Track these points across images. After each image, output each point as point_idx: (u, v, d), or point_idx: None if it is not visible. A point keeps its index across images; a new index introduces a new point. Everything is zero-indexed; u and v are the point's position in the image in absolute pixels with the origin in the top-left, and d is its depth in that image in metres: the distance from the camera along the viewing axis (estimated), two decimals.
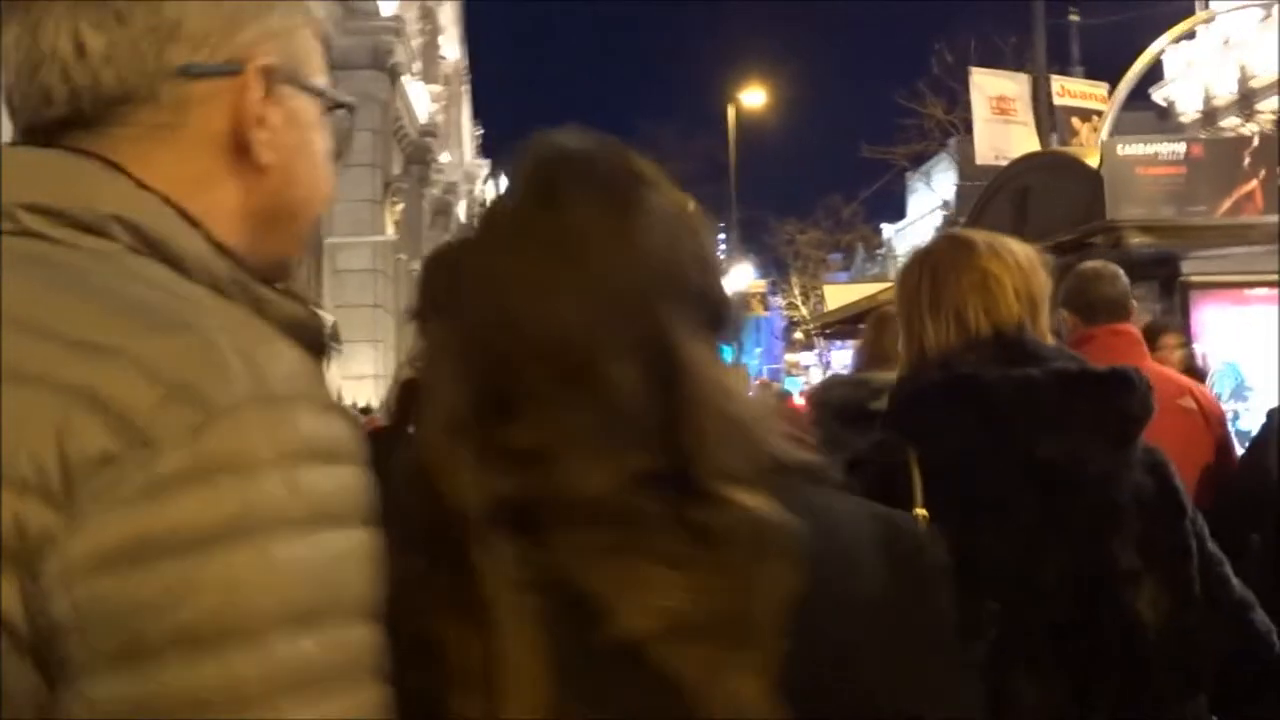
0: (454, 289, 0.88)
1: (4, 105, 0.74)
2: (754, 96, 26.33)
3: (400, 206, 17.19)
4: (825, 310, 15.62)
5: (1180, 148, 6.13)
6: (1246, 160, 6.07)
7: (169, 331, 0.60)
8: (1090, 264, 3.22)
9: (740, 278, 25.95)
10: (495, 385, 0.82)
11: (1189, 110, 24.89)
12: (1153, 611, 1.59)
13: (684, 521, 0.79)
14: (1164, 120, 24.11)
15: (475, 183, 31.68)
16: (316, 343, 0.73)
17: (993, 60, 15.93)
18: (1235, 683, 1.68)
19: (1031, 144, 11.55)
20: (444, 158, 23.42)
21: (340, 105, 0.83)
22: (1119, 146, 6.21)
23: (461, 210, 26.75)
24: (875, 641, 0.83)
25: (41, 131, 0.70)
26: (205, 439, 0.57)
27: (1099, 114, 12.44)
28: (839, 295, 14.50)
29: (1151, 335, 4.21)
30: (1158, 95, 24.93)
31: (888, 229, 35.74)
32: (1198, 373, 4.26)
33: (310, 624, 0.58)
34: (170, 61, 0.70)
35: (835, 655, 0.81)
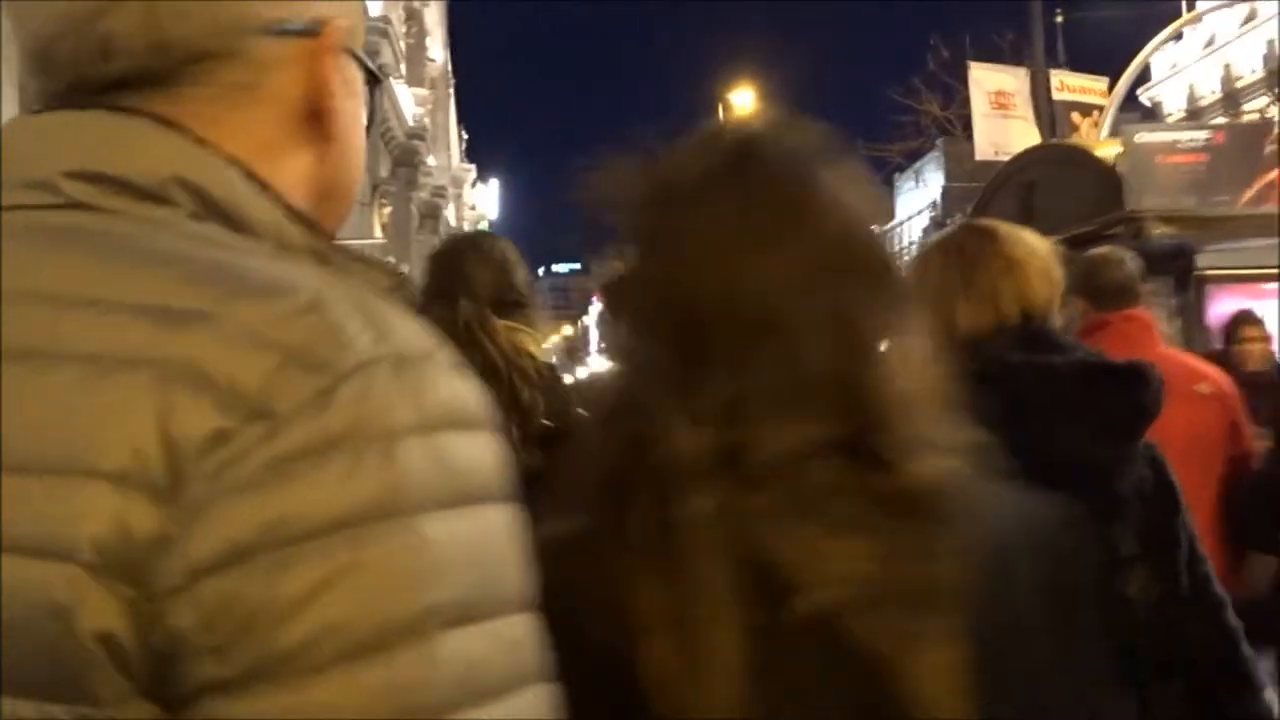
0: (646, 244, 0.91)
1: (21, 68, 0.66)
2: (744, 96, 26.25)
3: (388, 209, 17.04)
4: None
5: (1202, 135, 5.98)
6: (1269, 148, 5.92)
7: (267, 294, 0.53)
8: (1098, 250, 3.22)
9: None
10: (692, 344, 0.84)
11: (1175, 110, 24.99)
12: (1143, 596, 1.69)
13: (868, 490, 0.81)
14: (1150, 120, 24.23)
15: (463, 187, 31.63)
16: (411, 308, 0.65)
17: (989, 57, 15.78)
18: (1219, 678, 1.77)
19: (1031, 139, 11.43)
20: (431, 161, 23.28)
21: (374, 76, 0.77)
22: (1138, 134, 6.05)
23: (450, 214, 26.63)
24: (1034, 630, 0.83)
25: (87, 91, 0.63)
26: (334, 407, 0.50)
27: (1099, 109, 12.37)
28: None
29: (1235, 326, 4.13)
30: (1144, 95, 25.02)
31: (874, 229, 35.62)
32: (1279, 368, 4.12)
33: (474, 616, 0.52)
34: (255, 17, 0.64)
35: (1000, 637, 0.80)
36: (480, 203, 35.26)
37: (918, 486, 0.81)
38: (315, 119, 0.68)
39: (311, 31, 0.67)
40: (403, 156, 19.53)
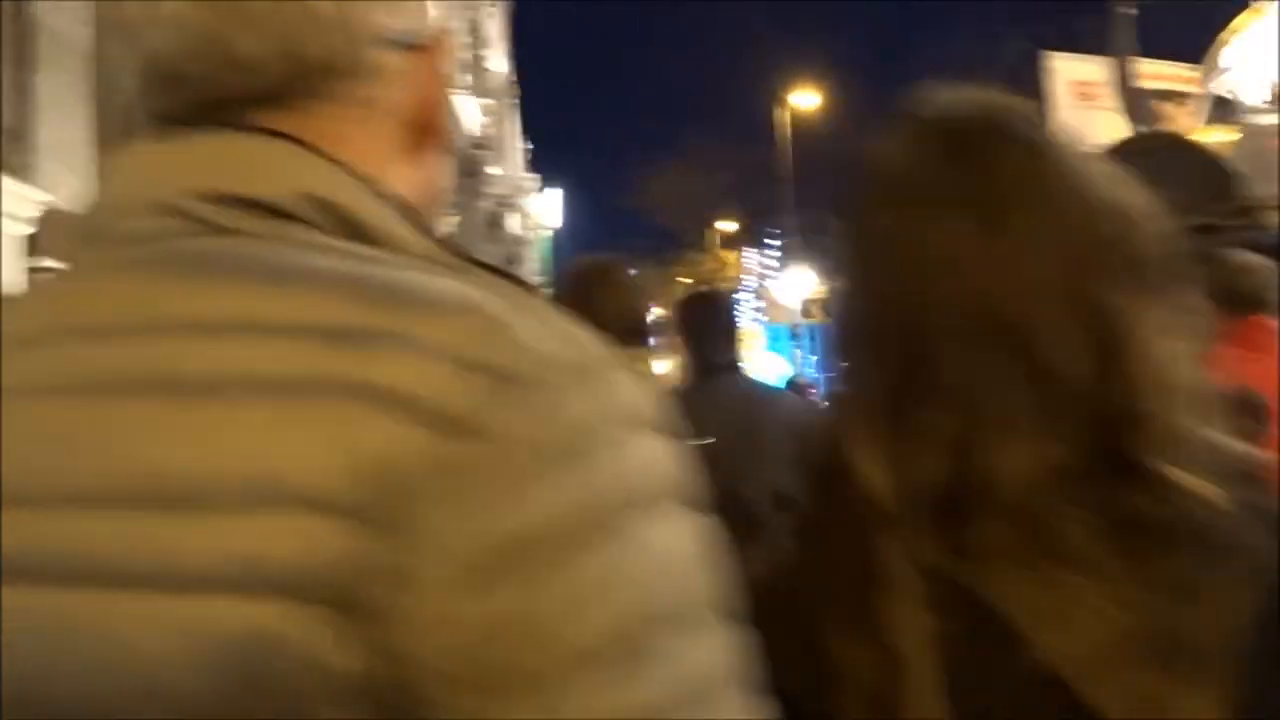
0: (860, 258, 0.84)
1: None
2: (808, 98, 26.05)
3: (454, 219, 17.11)
4: None
5: None
6: None
7: (440, 309, 0.53)
8: (1234, 253, 3.05)
9: (802, 285, 25.63)
10: (914, 364, 0.76)
11: (1252, 100, 24.37)
12: None
13: (1116, 519, 0.71)
14: (1223, 110, 23.66)
15: (525, 196, 31.82)
16: None
17: (1063, 47, 15.40)
18: None
19: (1117, 130, 11.08)
20: (494, 171, 23.41)
21: None
22: (1254, 117, 5.76)
23: (515, 223, 26.80)
24: None
25: (213, 109, 0.62)
26: (528, 420, 0.50)
27: (1185, 96, 12.00)
28: None
29: None
30: (1217, 86, 24.38)
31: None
32: None
33: (690, 626, 0.51)
34: (382, 31, 0.64)
35: (1271, 692, 0.69)
36: (542, 212, 35.47)
37: (1176, 514, 0.71)
38: (426, 132, 0.68)
39: (425, 44, 0.67)
40: (467, 167, 19.63)
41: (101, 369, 0.53)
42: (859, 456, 0.76)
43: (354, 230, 0.60)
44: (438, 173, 0.71)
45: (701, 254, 36.19)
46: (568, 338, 0.54)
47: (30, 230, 8.58)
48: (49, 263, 8.20)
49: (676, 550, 0.52)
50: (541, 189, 35.88)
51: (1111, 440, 0.73)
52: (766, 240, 33.76)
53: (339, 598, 0.48)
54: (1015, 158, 0.79)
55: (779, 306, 27.49)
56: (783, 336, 26.47)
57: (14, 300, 0.61)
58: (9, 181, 8.16)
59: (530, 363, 0.51)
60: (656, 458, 0.54)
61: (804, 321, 26.25)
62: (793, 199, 27.05)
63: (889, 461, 0.75)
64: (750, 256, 36.21)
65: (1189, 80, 12.49)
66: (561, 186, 37.33)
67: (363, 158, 0.63)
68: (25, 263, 8.49)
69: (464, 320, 0.52)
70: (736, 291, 31.53)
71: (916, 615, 0.72)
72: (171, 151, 0.61)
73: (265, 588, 0.48)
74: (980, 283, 0.75)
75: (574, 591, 0.49)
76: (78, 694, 0.49)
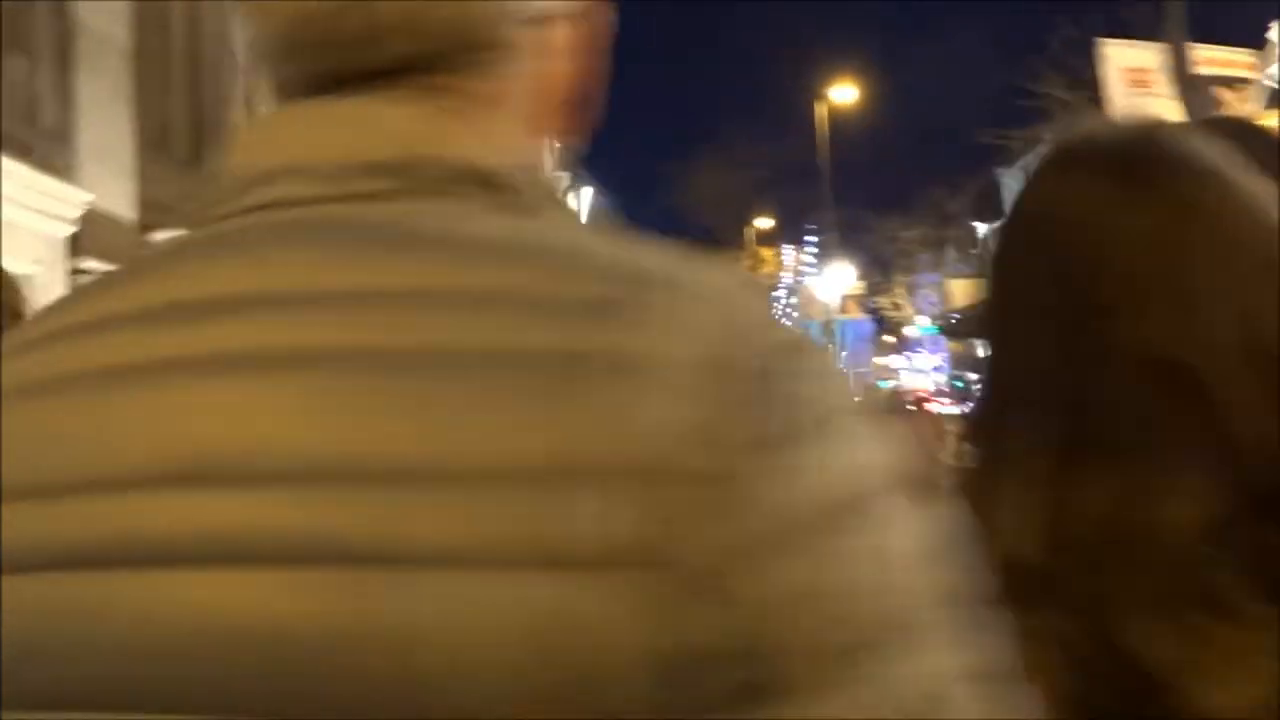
0: (1020, 305, 0.81)
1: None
2: (847, 92, 25.88)
3: None
4: (947, 308, 15.13)
5: None
6: None
7: (657, 282, 0.53)
8: None
9: (840, 280, 25.48)
10: (1080, 414, 0.75)
11: None
12: None
13: (1271, 569, 0.69)
14: (1275, 101, 23.27)
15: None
16: None
17: (1118, 35, 15.12)
18: None
19: (1174, 117, 10.86)
20: None
21: None
22: None
23: None
24: None
25: (353, 79, 0.61)
26: (778, 395, 0.51)
27: (1243, 81, 11.76)
28: (967, 291, 14.02)
29: None
30: (1264, 76, 24.06)
31: (982, 228, 34.98)
32: None
33: (942, 614, 0.51)
34: (524, 5, 0.63)
35: None
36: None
37: None
38: (554, 110, 0.67)
39: (563, 20, 0.66)
40: None
41: (310, 339, 0.51)
42: (1003, 512, 0.75)
43: (512, 205, 0.58)
44: (548, 150, 0.70)
45: (738, 251, 36.11)
46: (779, 319, 0.55)
47: (72, 230, 8.56)
48: (91, 263, 8.17)
49: (922, 537, 0.52)
50: (573, 188, 35.99)
51: (1269, 489, 0.71)
52: (804, 236, 33.68)
53: (630, 573, 0.47)
54: (1188, 187, 0.76)
55: (816, 302, 27.38)
56: (819, 333, 26.40)
57: (141, 264, 0.59)
58: (51, 182, 8.13)
59: (750, 337, 0.51)
60: (886, 442, 0.54)
61: (840, 317, 26.09)
62: (830, 195, 26.87)
63: (1041, 515, 0.74)
64: (788, 253, 36.11)
65: (1246, 65, 12.24)
66: (592, 185, 37.43)
67: (497, 133, 0.63)
68: (67, 263, 8.46)
69: (679, 291, 0.52)
70: (775, 289, 31.46)
71: (1051, 677, 0.71)
72: (330, 119, 0.60)
73: (563, 564, 0.47)
74: (1157, 327, 0.73)
75: (819, 579, 0.48)
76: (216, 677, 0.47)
